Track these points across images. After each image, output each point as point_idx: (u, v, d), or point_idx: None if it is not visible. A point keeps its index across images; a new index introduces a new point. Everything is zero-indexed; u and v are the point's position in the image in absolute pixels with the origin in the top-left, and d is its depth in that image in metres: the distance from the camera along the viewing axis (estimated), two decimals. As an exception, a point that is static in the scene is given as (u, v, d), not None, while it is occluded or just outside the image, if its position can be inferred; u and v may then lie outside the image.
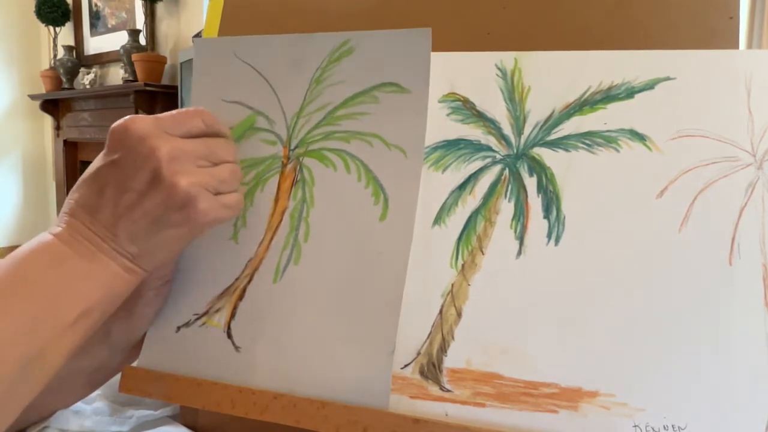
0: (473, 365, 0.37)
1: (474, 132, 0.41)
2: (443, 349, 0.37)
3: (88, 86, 3.28)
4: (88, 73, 3.33)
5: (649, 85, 0.38)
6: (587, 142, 0.39)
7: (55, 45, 3.41)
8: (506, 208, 0.39)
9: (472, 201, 0.39)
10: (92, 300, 0.35)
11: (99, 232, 0.36)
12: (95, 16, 3.35)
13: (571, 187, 0.38)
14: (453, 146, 0.41)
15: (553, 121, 0.39)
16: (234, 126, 0.43)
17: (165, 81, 2.93)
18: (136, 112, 2.92)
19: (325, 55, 0.43)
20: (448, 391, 0.37)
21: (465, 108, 0.41)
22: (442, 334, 0.38)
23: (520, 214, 0.38)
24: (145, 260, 0.37)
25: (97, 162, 0.37)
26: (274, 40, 0.44)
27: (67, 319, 0.34)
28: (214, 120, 0.39)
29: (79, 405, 0.46)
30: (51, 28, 3.36)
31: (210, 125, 0.38)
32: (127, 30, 2.98)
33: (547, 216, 0.38)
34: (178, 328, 0.42)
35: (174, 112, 0.38)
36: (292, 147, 0.43)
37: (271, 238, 0.42)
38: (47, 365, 0.34)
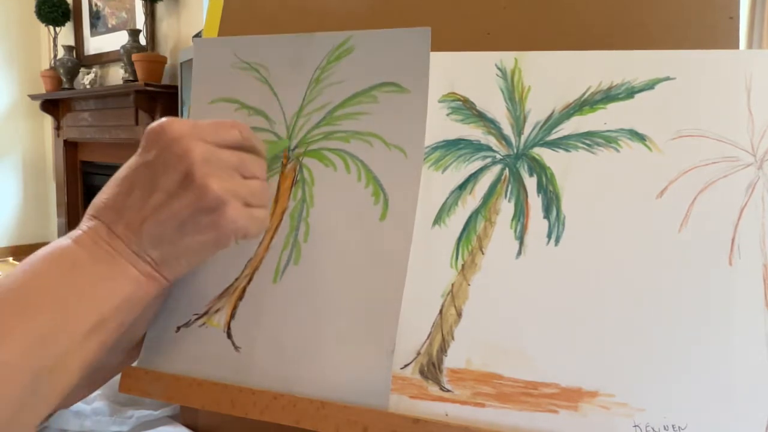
0: (473, 365, 0.37)
1: (474, 132, 0.41)
2: (443, 349, 0.37)
3: (88, 86, 3.28)
4: (88, 73, 3.34)
5: (649, 85, 0.38)
6: (587, 142, 0.39)
7: (55, 45, 3.41)
8: (506, 208, 0.39)
9: (472, 201, 0.39)
10: (108, 308, 0.34)
11: (122, 235, 0.35)
12: (95, 16, 3.35)
13: (571, 187, 0.38)
14: (453, 146, 0.41)
15: (553, 121, 0.39)
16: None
17: (165, 81, 2.94)
18: (136, 112, 2.93)
19: (325, 54, 0.43)
20: (448, 391, 0.37)
21: (465, 108, 0.41)
22: (442, 334, 0.38)
23: (520, 214, 0.38)
24: (167, 267, 0.36)
25: (129, 162, 0.36)
26: (273, 40, 0.44)
27: (81, 330, 0.33)
28: (251, 134, 0.38)
29: (79, 405, 0.46)
30: (51, 28, 3.36)
31: (246, 138, 0.38)
32: (127, 30, 2.98)
33: (547, 216, 0.38)
34: (178, 328, 0.42)
35: (212, 120, 0.37)
36: (291, 147, 0.43)
37: (271, 239, 0.42)
38: (61, 379, 0.32)
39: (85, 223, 0.35)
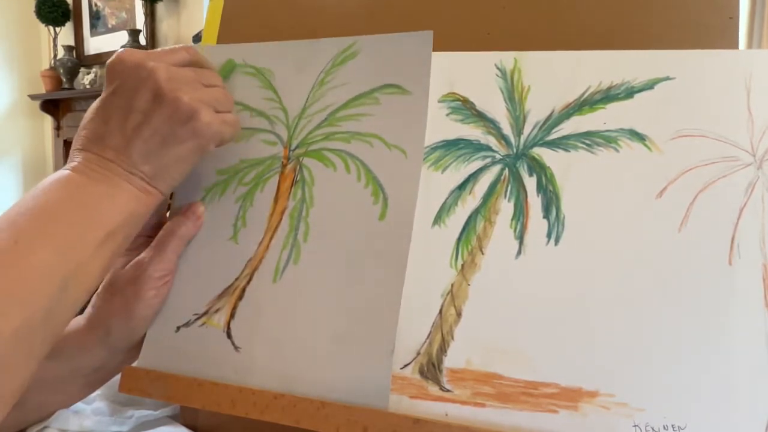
0: (473, 365, 0.37)
1: (474, 132, 0.41)
2: (443, 349, 0.37)
3: (88, 86, 3.28)
4: (88, 73, 3.33)
5: (649, 85, 0.38)
6: (587, 142, 0.39)
7: (55, 45, 3.41)
8: (506, 207, 0.39)
9: (471, 201, 0.39)
10: (115, 222, 0.36)
11: (112, 158, 0.37)
12: (95, 16, 3.35)
13: (570, 186, 0.38)
14: (453, 146, 0.41)
15: (553, 120, 0.39)
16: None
17: (165, 81, 2.93)
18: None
19: (330, 58, 0.44)
20: (448, 391, 0.37)
21: (465, 108, 0.41)
22: (442, 334, 0.38)
23: (520, 214, 0.38)
24: (160, 179, 0.38)
25: (99, 99, 0.39)
26: (281, 46, 0.45)
27: (95, 241, 0.35)
28: (198, 52, 0.42)
29: (79, 405, 0.46)
30: (51, 28, 3.36)
31: (194, 56, 0.41)
32: (127, 30, 2.98)
33: (546, 216, 0.38)
34: (178, 328, 0.42)
35: (161, 48, 0.40)
36: (292, 147, 0.43)
37: (271, 238, 0.42)
38: (82, 284, 0.35)
39: (76, 156, 0.38)
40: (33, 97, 3.47)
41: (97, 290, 0.40)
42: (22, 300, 0.32)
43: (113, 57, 0.38)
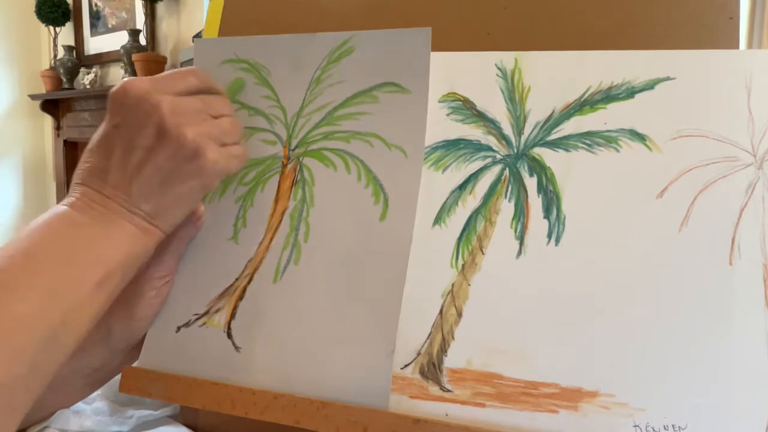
0: (473, 365, 0.37)
1: (474, 132, 0.41)
2: (443, 349, 0.37)
3: (88, 86, 3.28)
4: (88, 73, 3.33)
5: (649, 85, 0.38)
6: (587, 142, 0.39)
7: (55, 45, 3.41)
8: (506, 208, 0.39)
9: (472, 201, 0.39)
10: (112, 263, 0.35)
11: (112, 195, 0.36)
12: (95, 16, 3.35)
13: (571, 187, 0.38)
14: (453, 146, 0.41)
15: (554, 121, 0.39)
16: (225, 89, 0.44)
17: (165, 81, 2.93)
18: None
19: (325, 54, 0.43)
20: (449, 391, 0.37)
21: (465, 108, 0.41)
22: (443, 334, 0.38)
23: (521, 214, 0.38)
24: (161, 218, 0.37)
25: (100, 129, 0.38)
26: (274, 41, 0.45)
27: (89, 285, 0.34)
28: (207, 77, 0.40)
29: (79, 405, 0.46)
30: (51, 28, 3.36)
31: (204, 82, 0.39)
32: (127, 30, 2.98)
33: (547, 216, 0.38)
34: (179, 328, 0.42)
35: (168, 72, 0.39)
36: (292, 147, 0.43)
37: (271, 238, 0.42)
38: (72, 332, 0.34)
39: (75, 191, 0.37)
40: (33, 97, 3.47)
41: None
42: (3, 353, 0.30)
43: (117, 87, 0.37)
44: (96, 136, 0.38)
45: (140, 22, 3.02)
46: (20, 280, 0.32)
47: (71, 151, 3.52)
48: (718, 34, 0.41)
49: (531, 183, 0.39)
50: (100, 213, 0.36)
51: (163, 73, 0.38)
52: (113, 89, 0.37)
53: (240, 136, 0.41)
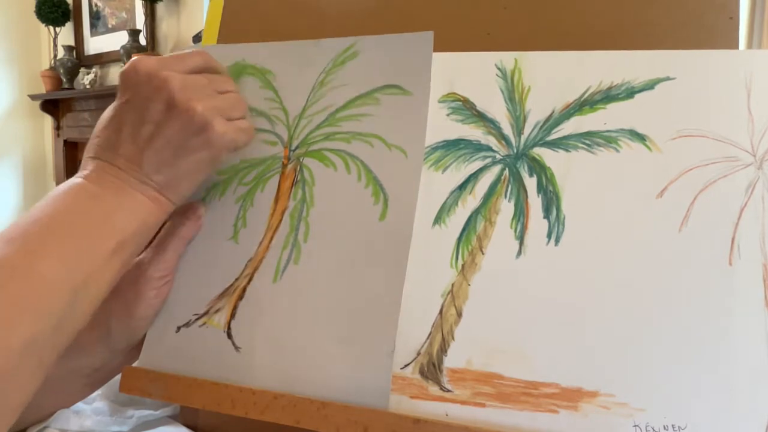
0: (473, 365, 0.37)
1: (474, 132, 0.41)
2: (443, 349, 0.37)
3: (88, 86, 3.28)
4: (88, 73, 3.33)
5: (649, 85, 0.38)
6: (587, 142, 0.39)
7: (55, 45, 3.41)
8: (506, 208, 0.39)
9: (472, 201, 0.39)
10: (127, 232, 0.36)
11: (124, 167, 0.37)
12: (95, 16, 3.35)
13: (571, 187, 0.38)
14: (453, 146, 0.41)
15: (553, 121, 0.39)
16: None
17: (165, 81, 2.93)
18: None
19: (330, 59, 0.44)
20: (449, 391, 0.37)
21: (465, 108, 0.41)
22: (443, 334, 0.38)
23: (520, 214, 0.38)
24: (171, 190, 0.38)
25: (111, 106, 0.39)
26: (281, 47, 0.45)
27: (106, 251, 0.35)
28: (211, 58, 0.41)
29: (79, 405, 0.46)
30: (51, 28, 3.36)
31: (208, 62, 0.41)
32: (127, 30, 2.98)
33: (547, 216, 0.38)
34: (179, 328, 0.42)
35: (174, 53, 0.40)
36: (293, 147, 0.43)
37: (271, 238, 0.42)
38: (92, 296, 0.35)
39: (89, 164, 0.38)
40: (33, 97, 3.47)
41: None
42: (32, 313, 0.31)
43: (127, 65, 0.38)
44: (107, 113, 0.39)
45: (140, 22, 3.02)
46: (47, 245, 0.33)
47: (71, 151, 3.52)
48: (718, 34, 0.41)
49: (531, 183, 0.39)
50: (114, 184, 0.37)
51: (169, 55, 0.40)
52: (124, 68, 0.38)
53: (246, 112, 0.41)
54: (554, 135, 0.39)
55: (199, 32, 2.56)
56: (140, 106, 0.37)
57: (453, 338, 0.37)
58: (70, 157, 3.53)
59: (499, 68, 0.41)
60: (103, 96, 3.13)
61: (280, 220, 0.42)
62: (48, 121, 3.64)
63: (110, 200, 0.37)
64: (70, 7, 3.36)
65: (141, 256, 0.42)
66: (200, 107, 0.37)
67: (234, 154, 0.44)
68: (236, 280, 0.42)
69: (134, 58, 0.38)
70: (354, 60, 0.43)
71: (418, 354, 0.38)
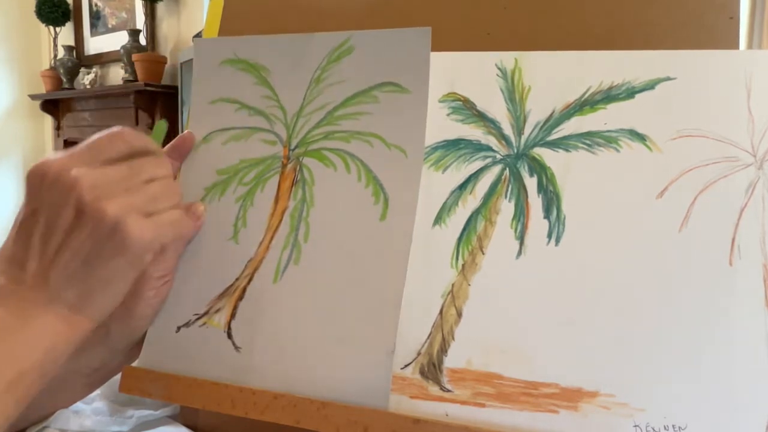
0: (473, 365, 0.37)
1: (474, 132, 0.41)
2: (443, 349, 0.37)
3: (88, 86, 3.28)
4: (88, 73, 3.33)
5: (650, 85, 0.38)
6: (587, 142, 0.39)
7: (55, 45, 3.41)
8: (506, 208, 0.39)
9: (472, 201, 0.39)
10: (27, 362, 0.32)
11: (31, 285, 0.33)
12: (95, 16, 3.35)
13: (571, 187, 0.38)
14: (453, 146, 0.41)
15: (554, 121, 0.39)
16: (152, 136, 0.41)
17: (165, 81, 2.94)
18: (136, 113, 2.93)
19: (325, 54, 0.43)
20: (449, 391, 0.37)
21: (465, 108, 0.41)
22: (443, 334, 0.38)
23: (521, 214, 0.38)
24: (86, 307, 0.35)
25: (19, 215, 0.35)
26: (273, 40, 0.45)
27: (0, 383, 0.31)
28: (136, 136, 0.37)
29: (79, 405, 0.46)
30: (51, 28, 3.36)
31: (132, 143, 0.36)
32: (127, 30, 2.98)
33: (547, 216, 0.38)
34: (178, 328, 0.42)
35: (90, 140, 0.35)
36: (292, 147, 0.43)
37: (271, 238, 0.42)
38: None
39: None
40: (33, 97, 3.47)
41: None
42: None
43: (33, 168, 0.34)
44: (15, 222, 0.35)
45: (140, 22, 3.02)
46: None
47: (71, 151, 3.52)
48: (718, 34, 0.41)
49: (531, 183, 0.39)
50: (17, 306, 0.33)
51: (87, 142, 0.35)
52: (29, 170, 0.34)
53: (178, 198, 0.38)
54: (554, 135, 0.39)
55: (199, 32, 2.56)
56: (48, 215, 0.33)
57: (453, 338, 0.37)
58: (70, 157, 3.52)
59: (499, 68, 0.41)
60: (103, 96, 3.14)
61: (280, 220, 0.42)
62: (48, 121, 3.65)
63: (10, 325, 0.32)
64: (70, 7, 3.36)
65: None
66: (111, 207, 0.33)
67: (232, 154, 0.44)
68: (236, 280, 0.42)
69: (41, 160, 0.34)
70: (350, 56, 0.43)
71: (418, 354, 0.38)
